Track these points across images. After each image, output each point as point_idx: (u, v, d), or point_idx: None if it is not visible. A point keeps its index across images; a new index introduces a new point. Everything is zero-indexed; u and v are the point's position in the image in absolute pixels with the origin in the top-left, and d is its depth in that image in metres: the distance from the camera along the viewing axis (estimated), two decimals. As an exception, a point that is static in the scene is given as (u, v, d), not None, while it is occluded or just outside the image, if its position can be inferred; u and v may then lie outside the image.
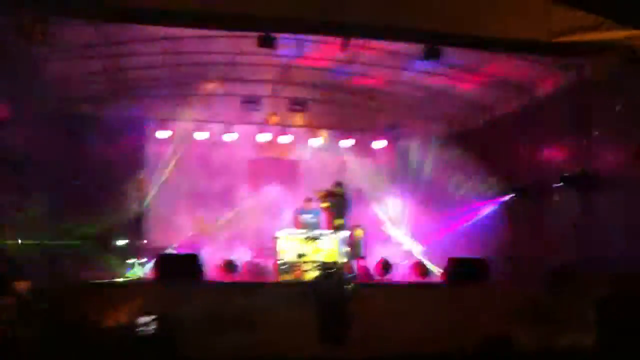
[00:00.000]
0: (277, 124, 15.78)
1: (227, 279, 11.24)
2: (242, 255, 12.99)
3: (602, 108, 11.05)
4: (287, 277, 11.20)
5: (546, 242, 12.39)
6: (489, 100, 14.67)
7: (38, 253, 10.93)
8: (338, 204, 12.85)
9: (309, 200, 13.13)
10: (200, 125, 15.42)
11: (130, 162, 15.10)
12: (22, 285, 8.03)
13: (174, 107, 14.94)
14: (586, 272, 10.39)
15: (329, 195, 12.89)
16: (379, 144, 16.44)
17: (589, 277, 10.16)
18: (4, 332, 7.61)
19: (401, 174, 16.12)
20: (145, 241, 15.16)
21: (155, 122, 15.36)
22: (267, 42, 10.07)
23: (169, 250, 13.76)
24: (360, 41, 11.53)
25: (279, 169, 16.45)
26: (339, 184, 13.28)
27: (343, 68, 13.47)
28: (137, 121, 15.11)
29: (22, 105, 10.84)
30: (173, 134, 15.30)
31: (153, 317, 8.50)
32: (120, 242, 14.60)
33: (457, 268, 10.30)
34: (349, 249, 12.76)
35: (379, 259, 12.28)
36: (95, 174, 14.04)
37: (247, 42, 11.13)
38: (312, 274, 10.95)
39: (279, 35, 10.20)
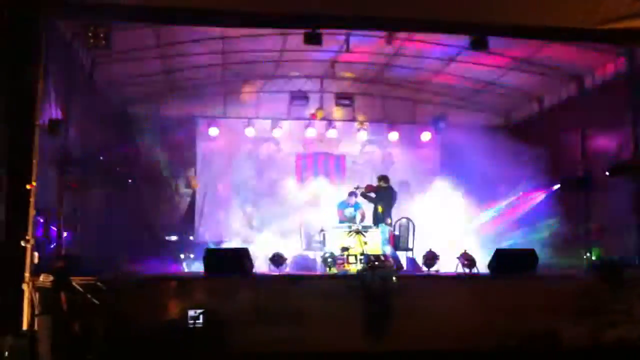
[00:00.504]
0: (323, 119, 15.86)
1: (275, 272, 11.36)
2: (289, 249, 13.11)
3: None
4: (333, 270, 11.26)
5: (596, 234, 12.21)
6: (539, 90, 14.44)
7: (94, 250, 11.33)
8: (384, 197, 12.85)
9: (351, 194, 13.21)
10: (249, 122, 15.62)
11: (181, 160, 15.49)
12: (76, 281, 8.31)
13: (223, 104, 15.22)
14: (635, 265, 10.19)
15: (373, 189, 12.90)
16: (426, 136, 16.33)
17: (637, 270, 9.96)
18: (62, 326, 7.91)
19: (448, 166, 16.01)
20: (195, 236, 15.50)
21: (206, 120, 15.66)
22: (313, 39, 10.15)
23: (219, 245, 14.00)
24: (406, 34, 11.52)
25: (326, 163, 16.55)
26: (383, 178, 13.28)
27: (389, 61, 13.47)
28: (188, 119, 15.51)
29: (80, 106, 11.25)
30: (223, 130, 15.55)
31: (201, 311, 8.70)
32: (171, 238, 14.98)
33: (505, 260, 10.12)
34: (395, 241, 12.75)
35: (425, 251, 12.22)
36: (148, 172, 14.45)
37: (294, 39, 11.26)
38: (357, 267, 10.97)
39: (324, 32, 10.25)
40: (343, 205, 13.27)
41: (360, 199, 13.08)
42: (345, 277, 10.40)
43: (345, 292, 9.16)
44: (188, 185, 15.88)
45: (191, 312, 8.75)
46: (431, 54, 12.99)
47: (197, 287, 9.14)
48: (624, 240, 11.26)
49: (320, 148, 16.51)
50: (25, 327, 8.25)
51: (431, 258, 12.03)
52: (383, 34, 11.39)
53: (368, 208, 13.00)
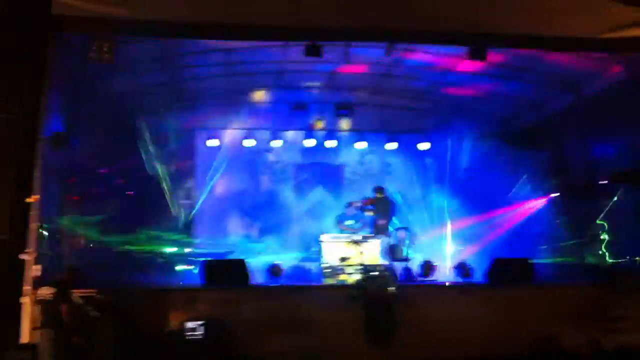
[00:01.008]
0: (322, 129, 15.87)
1: (273, 283, 11.37)
2: (287, 260, 13.12)
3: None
4: (331, 281, 11.27)
5: (596, 242, 12.23)
6: (538, 98, 14.48)
7: (93, 261, 11.32)
8: (382, 207, 12.91)
9: (350, 205, 13.25)
10: (248, 133, 15.62)
11: (180, 171, 15.48)
12: (77, 293, 8.30)
13: (224, 116, 15.24)
14: (634, 271, 10.21)
15: (370, 202, 13.00)
16: (424, 146, 16.34)
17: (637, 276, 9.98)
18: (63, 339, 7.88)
19: (447, 175, 16.04)
20: (193, 248, 15.47)
21: (206, 131, 15.68)
22: (313, 51, 10.22)
23: (217, 257, 13.98)
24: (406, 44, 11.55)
25: (324, 173, 16.58)
26: (379, 189, 13.39)
27: (389, 71, 13.50)
28: (188, 130, 15.53)
29: (84, 119, 11.27)
30: (222, 142, 15.56)
31: (201, 322, 8.68)
32: (170, 250, 14.95)
33: (501, 268, 10.18)
34: (392, 251, 12.78)
35: (422, 260, 12.26)
36: (147, 183, 14.45)
37: (294, 50, 11.29)
38: (355, 277, 10.98)
39: (324, 43, 10.30)
40: (343, 217, 13.32)
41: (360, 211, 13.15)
42: (346, 286, 10.41)
43: (345, 302, 9.17)
44: (187, 196, 15.86)
45: (189, 324, 8.74)
46: (430, 63, 12.99)
47: (195, 299, 9.15)
48: (626, 247, 11.28)
49: (319, 158, 16.52)
50: (26, 340, 8.21)
51: (428, 268, 12.10)
52: (383, 44, 11.38)
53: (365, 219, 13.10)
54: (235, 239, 15.30)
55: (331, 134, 16.01)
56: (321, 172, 16.57)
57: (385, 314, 9.08)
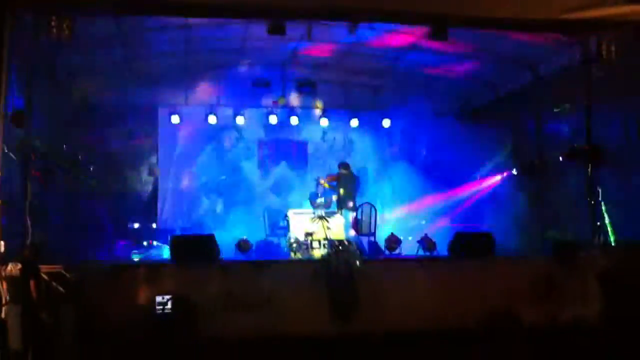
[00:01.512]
0: (285, 106, 15.95)
1: (241, 258, 11.49)
2: (254, 235, 13.25)
3: (605, 84, 11.14)
4: (298, 256, 11.44)
5: (551, 217, 12.64)
6: (496, 77, 14.79)
7: (60, 238, 11.29)
8: (346, 183, 13.12)
9: (318, 182, 13.42)
10: (211, 109, 15.63)
11: (144, 148, 15.44)
12: (43, 269, 8.33)
13: (185, 92, 15.19)
14: (589, 246, 10.58)
15: (335, 178, 13.21)
16: (386, 123, 16.56)
17: (592, 251, 10.36)
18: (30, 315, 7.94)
19: (408, 151, 16.31)
20: (158, 224, 15.51)
21: (167, 108, 15.61)
22: (277, 30, 10.27)
23: (184, 232, 14.06)
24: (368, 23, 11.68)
25: (288, 149, 16.71)
26: (343, 165, 13.59)
27: (350, 49, 13.63)
28: (150, 108, 15.47)
29: (43, 96, 11.15)
30: (184, 118, 15.54)
31: (169, 297, 8.79)
32: (134, 225, 14.97)
33: (463, 242, 10.47)
34: (357, 226, 13.02)
35: (387, 235, 12.52)
36: (110, 160, 14.39)
37: (256, 27, 11.32)
38: (321, 252, 11.15)
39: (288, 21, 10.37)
40: (314, 196, 13.50)
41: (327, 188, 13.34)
42: (311, 261, 10.59)
43: (311, 276, 9.34)
44: (150, 172, 15.83)
45: (159, 298, 8.84)
46: (392, 42, 13.16)
47: (163, 275, 9.22)
48: (578, 223, 11.68)
49: (282, 135, 16.65)
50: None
51: (393, 242, 12.37)
52: (345, 23, 11.49)
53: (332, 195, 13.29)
54: (201, 214, 15.39)
55: (293, 110, 16.11)
56: (285, 148, 16.69)
57: (348, 288, 9.28)
